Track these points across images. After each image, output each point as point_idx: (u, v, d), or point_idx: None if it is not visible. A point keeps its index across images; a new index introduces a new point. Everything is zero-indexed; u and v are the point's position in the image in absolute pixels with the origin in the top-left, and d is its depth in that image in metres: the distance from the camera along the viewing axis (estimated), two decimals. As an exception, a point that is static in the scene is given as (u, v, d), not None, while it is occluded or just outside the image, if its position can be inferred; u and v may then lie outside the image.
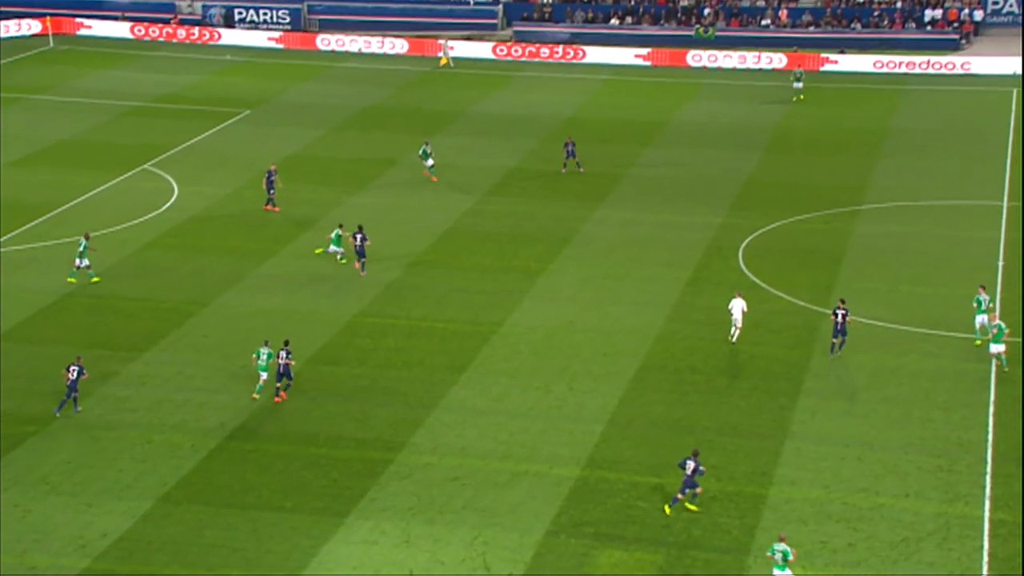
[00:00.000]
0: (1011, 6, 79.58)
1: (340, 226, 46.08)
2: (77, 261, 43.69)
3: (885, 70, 73.55)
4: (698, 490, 30.01)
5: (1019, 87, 68.94)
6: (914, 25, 79.23)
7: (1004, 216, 49.26)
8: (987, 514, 29.56)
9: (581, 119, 65.74)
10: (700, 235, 48.06)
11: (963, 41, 77.78)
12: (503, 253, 46.81)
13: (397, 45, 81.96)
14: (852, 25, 79.71)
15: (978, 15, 79.40)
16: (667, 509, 30.13)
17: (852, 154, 58.00)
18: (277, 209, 50.69)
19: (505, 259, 46.24)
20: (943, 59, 73.76)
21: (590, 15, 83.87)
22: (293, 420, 34.90)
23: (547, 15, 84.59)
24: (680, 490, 30.19)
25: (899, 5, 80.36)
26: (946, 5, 79.90)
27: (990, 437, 32.92)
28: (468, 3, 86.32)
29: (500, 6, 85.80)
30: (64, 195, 52.86)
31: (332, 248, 45.43)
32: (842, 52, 76.15)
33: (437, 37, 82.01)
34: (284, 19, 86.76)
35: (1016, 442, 32.57)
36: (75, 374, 34.61)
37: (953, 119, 63.68)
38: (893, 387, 35.86)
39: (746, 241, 47.35)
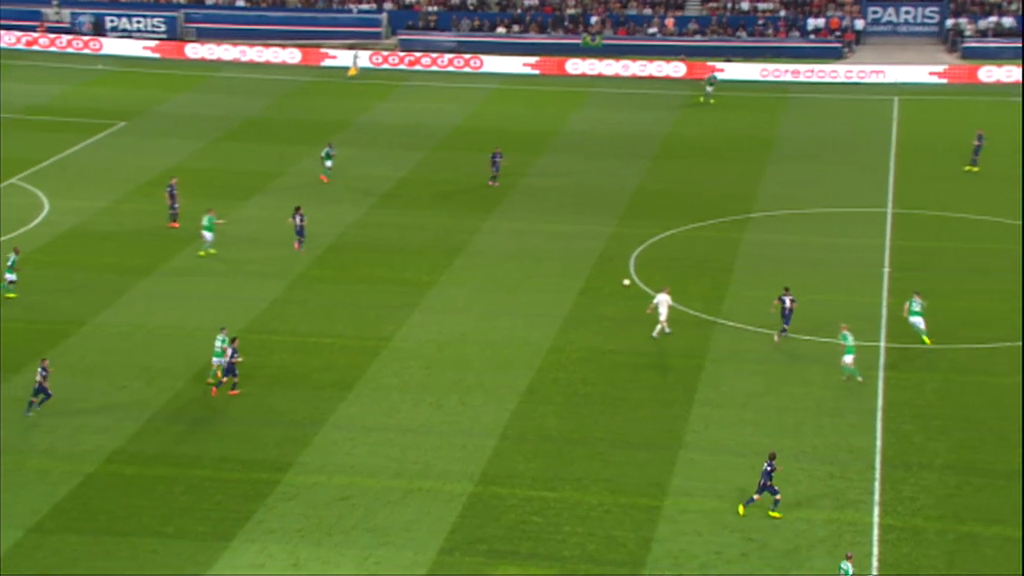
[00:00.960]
0: (890, 15, 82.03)
1: (210, 210, 46.74)
2: (7, 276, 42.59)
3: (771, 78, 75.18)
4: (777, 496, 30.20)
5: (900, 95, 71.06)
6: (798, 34, 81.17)
7: (889, 223, 50.65)
8: (876, 519, 30.25)
9: (470, 128, 65.84)
10: (592, 245, 48.43)
11: (845, 50, 79.93)
12: (392, 265, 46.56)
13: (279, 54, 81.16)
14: (737, 33, 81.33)
15: (859, 24, 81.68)
16: (740, 508, 30.43)
17: (740, 162, 59.09)
18: (177, 225, 49.67)
19: (394, 271, 46.00)
20: (827, 67, 75.66)
21: (476, 23, 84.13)
22: (176, 442, 34.17)
23: (432, 23, 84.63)
24: (757, 490, 30.31)
25: (783, 14, 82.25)
26: (828, 14, 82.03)
27: (879, 443, 33.73)
28: (351, 11, 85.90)
29: (384, 15, 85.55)
30: (-73, 211, 51.12)
31: (205, 235, 46.20)
32: (728, 60, 77.64)
33: (320, 46, 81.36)
34: (159, 27, 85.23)
35: (903, 447, 33.44)
36: (42, 375, 34.97)
37: (837, 127, 65.32)
38: (785, 395, 36.54)
39: (637, 250, 47.86)
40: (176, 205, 49.86)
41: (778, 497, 30.42)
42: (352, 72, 77.12)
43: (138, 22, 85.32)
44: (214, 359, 36.89)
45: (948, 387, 36.62)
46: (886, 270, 45.58)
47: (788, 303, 39.54)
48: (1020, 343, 39.43)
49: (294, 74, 78.15)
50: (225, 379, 36.45)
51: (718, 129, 65.34)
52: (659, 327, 39.74)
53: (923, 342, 39.18)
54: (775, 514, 30.44)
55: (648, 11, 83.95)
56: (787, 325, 39.72)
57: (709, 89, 69.45)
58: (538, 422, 35.22)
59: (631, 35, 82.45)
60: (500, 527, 30.29)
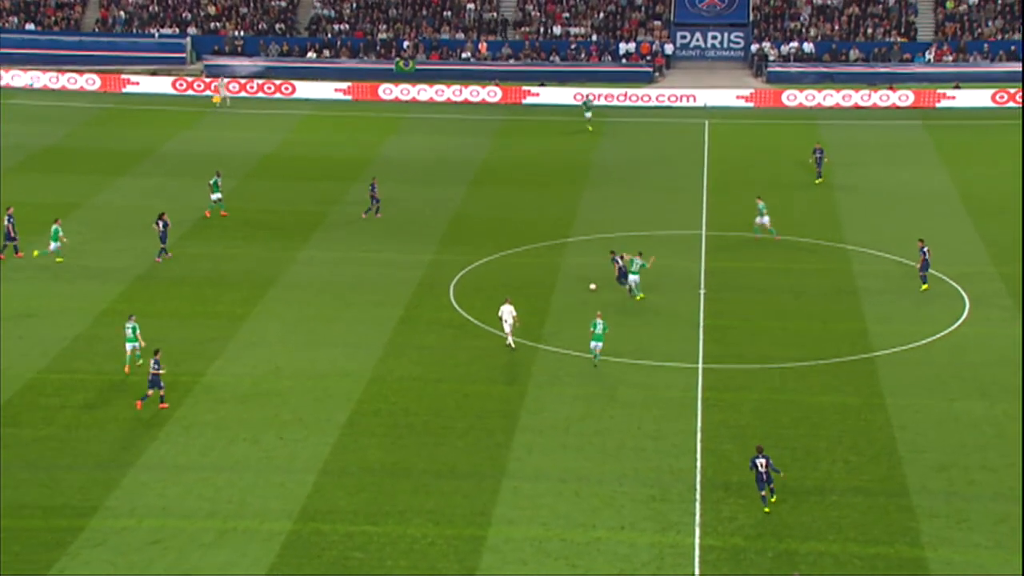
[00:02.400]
0: (698, 40, 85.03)
1: (57, 220, 47.65)
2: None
3: (588, 94, 76.89)
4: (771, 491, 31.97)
5: (710, 119, 73.69)
6: (610, 58, 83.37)
7: (703, 245, 52.38)
8: (697, 541, 31.17)
9: (281, 156, 65.27)
10: (410, 273, 48.58)
11: (656, 74, 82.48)
12: (203, 299, 45.72)
13: (77, 80, 78.88)
14: (551, 58, 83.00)
15: (668, 48, 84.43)
16: (766, 509, 31.91)
17: (557, 187, 60.22)
18: (20, 255, 48.57)
19: (205, 305, 45.18)
20: (639, 91, 77.91)
21: (285, 48, 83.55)
22: (-30, 492, 32.72)
23: (239, 48, 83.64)
24: (760, 489, 31.78)
25: (595, 39, 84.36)
26: (639, 39, 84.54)
27: (698, 464, 34.78)
28: (152, 36, 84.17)
29: (188, 39, 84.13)
30: None
31: (52, 246, 47.17)
32: (542, 85, 79.14)
33: (120, 71, 79.40)
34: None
35: (723, 467, 34.58)
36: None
37: (651, 151, 67.27)
38: (606, 419, 37.32)
39: (456, 277, 48.24)
40: (16, 237, 48.88)
41: (767, 491, 32.15)
42: (217, 100, 75.40)
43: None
44: (128, 345, 39.20)
45: (764, 407, 38.03)
46: (702, 291, 47.10)
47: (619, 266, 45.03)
48: (832, 361, 41.27)
49: (93, 101, 76.03)
50: (151, 392, 36.97)
51: (534, 154, 66.46)
52: (511, 338, 41.18)
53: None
54: (767, 509, 32.05)
55: (461, 36, 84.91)
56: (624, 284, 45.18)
57: (588, 115, 69.85)
58: (360, 455, 35.09)
59: (445, 60, 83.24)
60: (321, 564, 30.03)
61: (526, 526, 31.68)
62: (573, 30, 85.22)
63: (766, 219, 51.64)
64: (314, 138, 69.41)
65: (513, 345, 41.40)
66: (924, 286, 46.73)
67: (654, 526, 31.74)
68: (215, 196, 54.41)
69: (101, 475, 33.62)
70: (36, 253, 48.04)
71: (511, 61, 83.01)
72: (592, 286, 46.21)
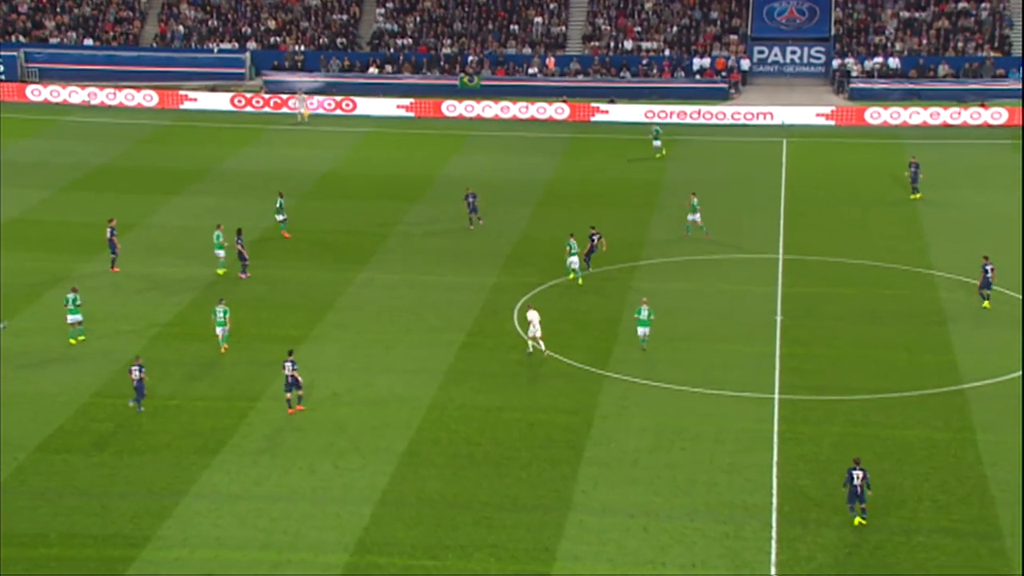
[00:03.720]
0: (776, 55, 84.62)
1: (219, 226, 50.31)
2: (69, 318, 43.62)
3: (656, 120, 76.77)
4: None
5: (788, 137, 73.20)
6: (683, 74, 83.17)
7: (780, 270, 51.95)
8: (775, 579, 30.83)
9: (340, 175, 65.82)
10: (472, 297, 48.66)
11: (732, 90, 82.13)
12: (259, 321, 46.13)
13: (134, 97, 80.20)
14: (621, 74, 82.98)
15: (745, 64, 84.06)
16: (858, 520, 32.58)
17: (627, 208, 60.09)
18: (116, 270, 50.46)
19: (262, 327, 45.57)
20: (713, 108, 77.62)
21: (346, 63, 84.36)
22: (18, 518, 33.19)
23: (299, 64, 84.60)
24: (850, 503, 32.43)
25: (667, 54, 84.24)
26: (713, 54, 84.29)
27: (774, 500, 34.38)
28: (211, 51, 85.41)
29: (247, 55, 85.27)
30: None
31: (218, 253, 49.85)
32: (612, 102, 79.14)
33: (178, 88, 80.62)
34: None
35: (800, 504, 34.15)
36: (137, 373, 38.24)
37: (725, 171, 66.93)
38: (677, 451, 37.04)
39: (521, 301, 48.24)
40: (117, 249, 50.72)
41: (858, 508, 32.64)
42: (305, 115, 76.36)
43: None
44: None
45: (845, 441, 37.52)
46: (778, 318, 46.69)
47: (595, 240, 50.25)
48: (917, 394, 40.64)
49: (151, 118, 77.26)
50: (289, 394, 38.92)
51: (604, 174, 66.40)
52: (531, 344, 42.62)
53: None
54: (862, 520, 32.58)
55: (528, 51, 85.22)
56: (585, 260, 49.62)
57: (657, 144, 68.52)
58: (419, 486, 35.11)
59: (511, 75, 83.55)
60: (379, 600, 30.05)
61: (592, 563, 31.49)
62: (645, 45, 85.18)
63: (697, 216, 54.38)
64: (375, 156, 69.91)
65: (532, 350, 42.50)
66: (985, 303, 46.11)
67: (727, 564, 31.40)
68: (280, 217, 55.10)
69: (154, 503, 33.96)
70: (220, 271, 50.27)
71: (579, 77, 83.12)
72: (576, 278, 49.34)
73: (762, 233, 56.48)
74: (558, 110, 78.09)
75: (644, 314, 43.23)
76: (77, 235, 55.07)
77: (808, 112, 77.09)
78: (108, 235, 50.94)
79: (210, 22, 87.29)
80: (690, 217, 54.79)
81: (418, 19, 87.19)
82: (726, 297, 48.77)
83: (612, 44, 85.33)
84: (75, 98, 79.94)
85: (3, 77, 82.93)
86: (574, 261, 49.64)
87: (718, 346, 44.29)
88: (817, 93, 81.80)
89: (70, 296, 44.07)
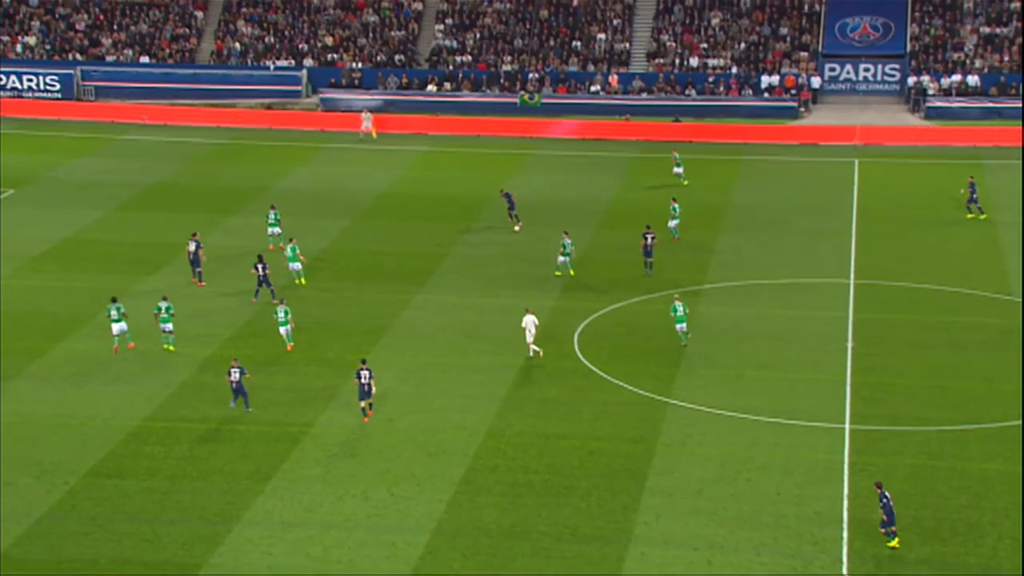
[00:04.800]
0: (848, 72, 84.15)
1: (291, 240, 52.72)
2: (162, 326, 45.34)
3: (722, 139, 76.58)
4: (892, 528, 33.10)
5: (860, 158, 72.69)
6: (751, 92, 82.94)
7: (851, 295, 51.53)
8: (845, 617, 30.52)
9: (397, 194, 66.23)
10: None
11: (802, 109, 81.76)
12: (313, 344, 46.47)
13: (190, 115, 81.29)
14: (687, 92, 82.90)
15: (816, 82, 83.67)
16: (894, 543, 32.96)
17: (692, 230, 59.87)
18: (202, 284, 51.81)
19: (315, 351, 45.91)
20: (782, 127, 77.25)
21: (404, 81, 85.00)
22: (68, 544, 33.62)
23: (356, 82, 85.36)
24: (884, 527, 33.01)
25: (735, 71, 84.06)
26: (783, 71, 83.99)
27: (845, 534, 34.03)
28: (268, 68, 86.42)
29: (304, 72, 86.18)
30: None
31: (292, 267, 51.70)
32: (676, 120, 79.05)
33: (234, 105, 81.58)
34: (53, 86, 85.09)
35: (873, 538, 33.78)
36: (237, 375, 40.12)
37: (794, 192, 66.58)
38: (742, 482, 36.80)
39: (581, 326, 48.21)
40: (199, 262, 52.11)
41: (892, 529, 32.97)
42: (373, 134, 77.26)
43: (29, 80, 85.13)
44: (281, 328, 45.31)
45: (919, 473, 37.09)
46: (850, 345, 46.30)
47: (649, 240, 52.56)
48: (996, 425, 40.12)
49: (206, 136, 78.24)
50: (363, 402, 40.04)
51: (667, 194, 66.24)
52: (531, 349, 44.25)
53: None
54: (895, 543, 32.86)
55: (590, 68, 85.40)
56: (648, 259, 52.84)
57: (678, 170, 67.78)
58: (475, 514, 35.15)
59: (572, 93, 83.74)
60: (434, 632, 30.08)
61: (654, 597, 31.33)
62: (711, 62, 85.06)
63: (674, 222, 57.24)
64: (433, 175, 70.29)
65: (535, 354, 44.35)
66: None
67: (795, 601, 31.13)
68: (275, 231, 56.16)
69: (205, 530, 34.27)
70: (301, 282, 52.19)
71: (643, 95, 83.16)
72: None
73: (832, 256, 56.08)
74: (621, 129, 78.09)
75: (680, 310, 45.26)
76: (131, 255, 55.83)
77: (882, 132, 76.49)
78: (193, 249, 51.94)
79: (267, 39, 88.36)
80: (671, 223, 57.43)
81: (478, 35, 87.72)
82: (795, 323, 48.44)
83: (677, 61, 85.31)
84: (130, 116, 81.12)
85: (60, 95, 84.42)
86: (565, 261, 52.61)
87: (786, 373, 43.99)
88: (891, 112, 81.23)
89: (162, 304, 45.60)
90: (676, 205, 58.11)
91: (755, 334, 47.20)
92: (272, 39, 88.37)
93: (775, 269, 54.47)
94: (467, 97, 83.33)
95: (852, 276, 53.69)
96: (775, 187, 67.51)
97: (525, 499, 35.91)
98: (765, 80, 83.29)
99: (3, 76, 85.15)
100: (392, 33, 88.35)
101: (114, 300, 45.62)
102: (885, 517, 33.07)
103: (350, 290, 51.95)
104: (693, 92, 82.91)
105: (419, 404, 41.78)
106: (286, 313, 45.52)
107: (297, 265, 51.98)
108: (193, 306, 49.81)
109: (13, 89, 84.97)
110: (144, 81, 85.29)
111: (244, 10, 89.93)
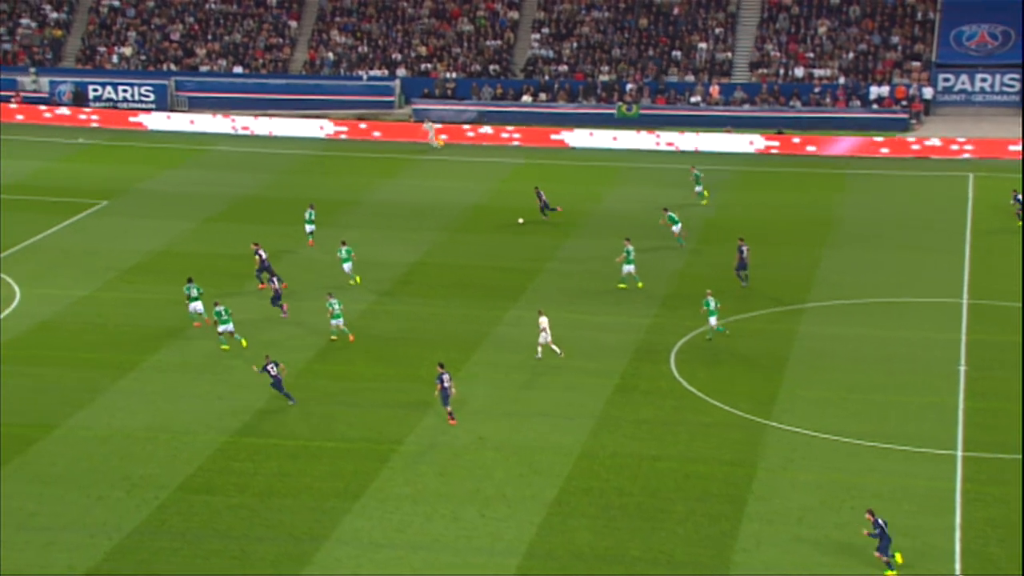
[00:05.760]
0: (963, 83, 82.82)
1: (343, 242, 54.54)
2: (220, 327, 47.12)
3: (828, 153, 75.78)
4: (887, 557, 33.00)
5: (975, 172, 71.48)
6: (859, 103, 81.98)
7: (965, 315, 50.66)
8: (955, 653, 29.97)
9: (491, 207, 66.47)
10: (627, 337, 48.59)
11: (913, 121, 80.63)
12: (403, 360, 46.79)
13: (281, 126, 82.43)
14: (791, 103, 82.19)
15: (928, 93, 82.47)
16: (897, 563, 32.86)
17: (795, 245, 59.36)
18: (263, 286, 53.32)
19: (406, 367, 46.22)
20: (892, 140, 76.24)
21: (499, 91, 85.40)
22: (158, 560, 34.20)
23: (450, 92, 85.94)
24: (886, 554, 32.79)
25: (842, 81, 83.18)
26: (893, 82, 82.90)
27: (958, 568, 33.41)
28: (360, 79, 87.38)
29: (396, 82, 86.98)
30: None
31: (345, 267, 53.94)
32: (780, 133, 78.42)
33: (326, 116, 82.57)
34: (147, 96, 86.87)
35: (988, 571, 33.12)
36: (274, 369, 42.42)
37: (905, 207, 65.66)
38: (847, 510, 36.30)
39: (678, 344, 47.98)
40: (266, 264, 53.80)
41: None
42: (440, 143, 78.18)
43: (124, 91, 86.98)
44: (333, 321, 47.89)
45: (1035, 502, 36.35)
46: (962, 368, 45.52)
47: (744, 252, 52.58)
48: (1116, 451, 39.19)
49: (298, 147, 79.26)
50: (448, 407, 41.59)
51: (769, 209, 65.76)
52: (541, 348, 45.78)
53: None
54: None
55: (691, 78, 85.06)
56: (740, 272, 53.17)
57: (699, 189, 66.32)
58: (568, 537, 35.11)
59: (671, 104, 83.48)
60: (524, 658, 30.10)
61: (753, 627, 31.04)
62: (817, 72, 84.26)
63: (677, 227, 58.32)
64: (527, 188, 70.39)
65: (552, 352, 45.80)
66: None
67: (901, 636, 30.63)
68: (309, 228, 59.16)
69: (294, 548, 34.64)
70: (356, 280, 54.14)
71: (745, 106, 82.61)
72: (520, 220, 57.41)
73: (945, 274, 55.20)
74: (722, 141, 77.67)
75: (712, 304, 47.40)
76: (222, 267, 56.68)
77: (999, 145, 75.13)
78: (264, 257, 53.46)
79: (360, 48, 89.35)
80: (675, 229, 58.49)
81: (575, 45, 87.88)
82: (904, 344, 47.75)
83: (782, 71, 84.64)
84: (222, 127, 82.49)
85: (154, 106, 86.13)
86: (630, 269, 52.82)
87: (895, 397, 43.37)
88: (1009, 124, 79.69)
89: (220, 308, 47.20)
90: (671, 213, 59.03)
91: (861, 355, 46.61)
92: (365, 48, 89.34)
93: (883, 287, 53.75)
94: (563, 108, 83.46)
95: (965, 295, 52.80)
96: (883, 202, 66.63)
97: (619, 522, 35.79)
98: (874, 91, 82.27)
99: (99, 87, 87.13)
100: (487, 43, 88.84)
101: (190, 280, 49.39)
102: (879, 544, 32.93)
103: (441, 305, 52.25)
104: (798, 103, 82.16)
105: (511, 423, 41.86)
106: (339, 304, 47.77)
107: (349, 265, 53.84)
108: (281, 322, 50.42)
109: (108, 100, 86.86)
110: (237, 91, 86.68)
111: (338, 19, 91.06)
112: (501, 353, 47.48)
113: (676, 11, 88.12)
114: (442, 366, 41.63)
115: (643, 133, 78.72)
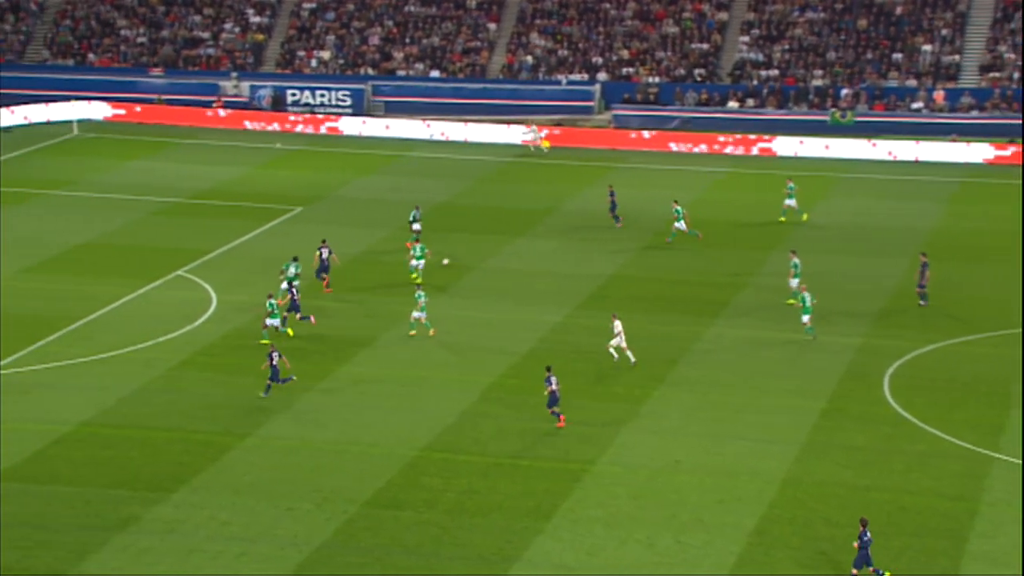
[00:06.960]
0: None
1: (417, 240, 56.97)
2: (267, 321, 49.51)
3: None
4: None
5: None
6: (1103, 109, 78.87)
7: None
8: None
9: (694, 219, 65.94)
10: (836, 358, 47.69)
11: None
12: (599, 376, 46.82)
13: (478, 131, 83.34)
14: (1026, 108, 79.54)
15: None
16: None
17: (1016, 263, 57.36)
18: (329, 290, 55.39)
19: (601, 384, 46.24)
20: None
21: (704, 97, 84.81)
22: (347, 575, 34.90)
23: (652, 97, 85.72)
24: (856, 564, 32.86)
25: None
26: None
27: None
28: (559, 83, 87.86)
29: (597, 86, 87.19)
30: (81, 308, 53.64)
31: (412, 263, 55.82)
32: (1012, 142, 75.86)
33: (524, 122, 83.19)
34: (344, 101, 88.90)
35: None
36: (276, 358, 44.26)
37: None
38: (1080, 550, 34.96)
39: (894, 366, 46.89)
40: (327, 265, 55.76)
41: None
42: (547, 147, 78.72)
43: (322, 96, 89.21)
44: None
45: None
46: None
47: (923, 265, 51.86)
48: None
49: (493, 154, 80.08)
50: (555, 408, 42.68)
51: (1001, 224, 63.71)
52: (613, 350, 46.70)
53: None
54: None
55: (912, 82, 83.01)
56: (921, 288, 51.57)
57: (789, 202, 63.93)
58: (770, 568, 34.62)
59: (891, 111, 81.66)
60: None
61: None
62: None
63: (682, 223, 59.36)
64: (733, 199, 69.77)
65: (617, 357, 46.37)
66: None
67: None
68: (416, 227, 60.66)
69: (483, 568, 34.92)
70: (414, 276, 55.87)
71: (973, 113, 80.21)
72: (445, 261, 56.47)
73: None
74: (946, 151, 75.55)
75: (808, 301, 48.20)
76: (409, 275, 57.56)
77: None
78: (326, 255, 55.61)
79: (560, 52, 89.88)
80: (675, 224, 59.59)
81: (786, 47, 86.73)
82: None
83: (1016, 75, 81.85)
84: (419, 132, 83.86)
85: (351, 111, 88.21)
86: (794, 283, 51.90)
87: None
88: None
89: (272, 302, 49.59)
90: (678, 207, 60.00)
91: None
92: (565, 52, 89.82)
93: (1122, 310, 51.50)
94: (772, 114, 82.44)
95: None
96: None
97: (826, 555, 35.10)
98: (1123, 95, 79.04)
99: (297, 91, 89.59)
100: (693, 46, 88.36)
101: (295, 259, 53.22)
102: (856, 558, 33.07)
103: (638, 320, 52.01)
104: (1031, 109, 79.48)
105: (709, 446, 41.48)
106: (424, 298, 49.95)
107: (415, 263, 55.76)
108: (473, 334, 50.93)
109: (305, 104, 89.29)
110: (433, 96, 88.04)
111: (538, 21, 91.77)
112: (700, 372, 47.10)
113: (899, 11, 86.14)
114: (549, 369, 42.79)
115: (859, 141, 77.21)
